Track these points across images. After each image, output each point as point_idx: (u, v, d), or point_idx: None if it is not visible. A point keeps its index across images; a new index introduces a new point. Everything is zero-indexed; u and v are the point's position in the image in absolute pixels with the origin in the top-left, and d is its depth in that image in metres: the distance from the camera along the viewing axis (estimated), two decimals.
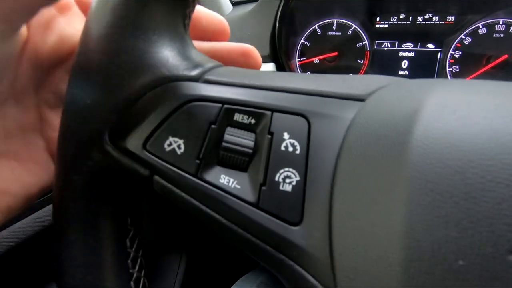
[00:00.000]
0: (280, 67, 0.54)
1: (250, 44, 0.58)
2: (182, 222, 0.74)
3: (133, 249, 0.20)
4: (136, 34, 0.17)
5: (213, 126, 0.16)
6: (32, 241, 0.45)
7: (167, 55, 0.17)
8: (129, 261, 0.19)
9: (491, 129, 0.12)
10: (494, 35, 0.46)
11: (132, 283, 0.19)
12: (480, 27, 0.46)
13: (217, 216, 0.16)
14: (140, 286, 0.20)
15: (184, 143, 0.16)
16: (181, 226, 0.76)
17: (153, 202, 0.66)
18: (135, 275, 0.20)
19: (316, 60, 0.56)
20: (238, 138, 0.16)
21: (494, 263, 0.11)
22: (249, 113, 0.17)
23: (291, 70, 0.55)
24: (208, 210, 0.16)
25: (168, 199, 0.17)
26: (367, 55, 0.53)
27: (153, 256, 0.72)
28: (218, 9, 0.68)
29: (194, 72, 0.17)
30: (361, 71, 0.54)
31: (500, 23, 0.45)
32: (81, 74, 0.17)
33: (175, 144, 0.16)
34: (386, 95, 0.16)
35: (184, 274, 0.72)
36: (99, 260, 0.18)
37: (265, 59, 0.52)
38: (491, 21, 0.45)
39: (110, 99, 0.17)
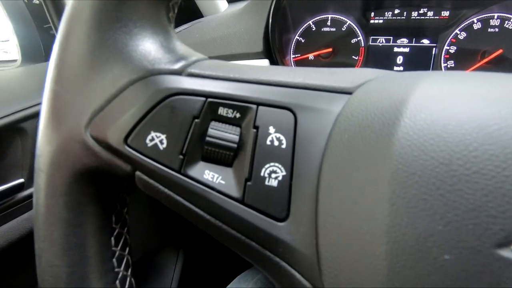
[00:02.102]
0: (274, 64, 0.53)
1: (243, 40, 0.57)
2: (179, 220, 0.74)
3: (118, 247, 0.19)
4: (116, 27, 0.16)
5: (196, 120, 0.16)
6: (24, 241, 0.45)
7: (149, 48, 0.17)
8: (114, 260, 0.19)
9: (476, 119, 0.11)
10: (489, 30, 0.45)
11: (117, 282, 0.19)
12: (475, 21, 0.46)
13: (201, 212, 0.16)
14: (127, 285, 0.19)
15: (166, 138, 0.16)
16: (178, 224, 0.75)
17: (149, 199, 0.66)
18: (121, 274, 0.19)
19: (310, 56, 0.55)
20: (223, 133, 0.16)
21: (481, 257, 0.10)
22: (233, 107, 0.16)
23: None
24: (192, 206, 0.16)
25: (151, 195, 0.17)
26: (362, 51, 0.53)
27: (150, 254, 0.72)
28: (214, 7, 0.68)
29: (177, 65, 0.17)
30: (356, 67, 0.54)
31: (495, 17, 0.45)
32: (60, 69, 0.16)
33: (158, 139, 0.16)
34: (373, 87, 0.15)
35: (181, 272, 0.72)
36: (82, 259, 0.18)
37: (259, 56, 0.52)
38: (486, 16, 0.45)
39: (90, 94, 0.16)
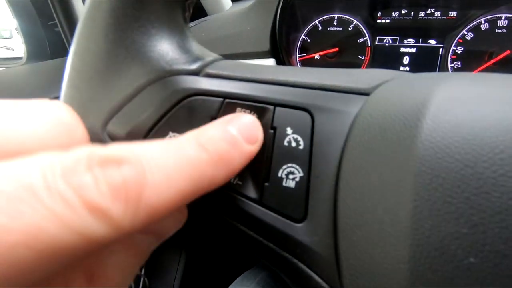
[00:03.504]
0: (280, 63, 0.53)
1: (250, 39, 0.57)
2: None
3: None
4: (134, 27, 0.16)
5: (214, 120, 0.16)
6: None
7: (167, 49, 0.17)
8: None
9: (502, 122, 0.11)
10: (496, 31, 0.45)
11: (131, 282, 0.19)
12: (483, 22, 0.46)
13: (219, 213, 0.16)
14: (140, 285, 0.19)
15: None
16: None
17: None
18: None
19: (316, 56, 0.55)
20: None
21: (507, 261, 0.10)
22: (251, 108, 0.16)
23: (291, 66, 0.54)
24: (209, 207, 0.16)
25: None
26: (368, 51, 0.53)
27: (153, 254, 0.72)
28: (218, 5, 0.68)
29: (194, 66, 0.17)
30: (362, 67, 0.54)
31: (503, 18, 0.44)
32: (78, 69, 0.16)
33: None
34: (391, 88, 0.15)
35: (184, 272, 0.72)
36: None
37: (265, 55, 0.52)
38: (494, 17, 0.45)
39: (108, 93, 0.16)
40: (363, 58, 0.53)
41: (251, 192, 0.16)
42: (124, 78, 0.16)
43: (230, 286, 0.46)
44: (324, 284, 0.14)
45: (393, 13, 0.50)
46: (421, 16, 0.49)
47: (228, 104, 0.16)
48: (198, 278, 0.77)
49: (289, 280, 0.16)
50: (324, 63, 0.55)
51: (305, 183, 0.15)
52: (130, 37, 0.16)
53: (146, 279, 0.20)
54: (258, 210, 0.15)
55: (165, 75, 0.16)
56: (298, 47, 0.56)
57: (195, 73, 0.17)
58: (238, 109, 0.16)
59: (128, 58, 0.16)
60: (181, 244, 0.75)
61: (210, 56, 0.18)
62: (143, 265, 0.20)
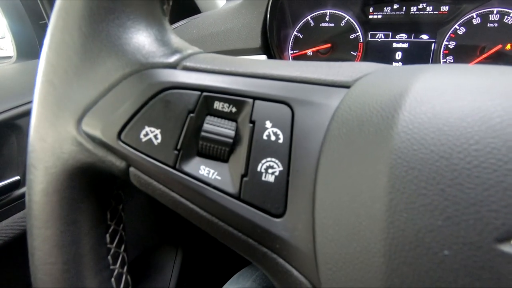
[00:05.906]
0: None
1: (241, 36, 0.56)
2: (177, 217, 0.74)
3: (114, 244, 0.19)
4: (109, 18, 0.16)
5: (191, 114, 0.16)
6: (20, 239, 0.45)
7: (143, 41, 0.16)
8: (109, 257, 0.18)
9: (478, 113, 0.11)
10: (488, 25, 0.45)
11: (113, 279, 0.19)
12: (474, 16, 0.45)
13: (197, 208, 0.16)
14: (122, 283, 0.19)
15: (161, 133, 0.16)
16: (176, 221, 0.75)
17: (146, 196, 0.65)
18: (116, 271, 0.19)
19: (309, 52, 0.55)
20: (218, 127, 0.16)
21: (481, 252, 0.10)
22: (229, 101, 0.16)
23: None
24: (187, 203, 0.16)
25: (145, 191, 0.16)
26: (360, 46, 0.52)
27: (149, 252, 0.72)
28: (212, 2, 0.67)
29: (172, 59, 0.17)
30: None
31: (494, 12, 0.44)
32: (52, 63, 0.16)
33: (152, 134, 0.16)
34: (371, 81, 0.15)
35: (180, 270, 0.72)
36: (76, 256, 0.17)
37: (257, 51, 0.51)
38: (485, 11, 0.45)
39: (83, 88, 0.16)
40: (355, 54, 0.53)
41: (230, 188, 0.15)
42: (99, 71, 0.16)
43: (227, 284, 0.46)
44: (303, 278, 0.14)
45: (385, 8, 0.50)
46: (413, 11, 0.49)
47: (205, 97, 0.16)
48: (194, 275, 0.77)
49: (269, 275, 0.16)
50: (317, 59, 0.55)
51: (285, 177, 0.15)
52: (105, 29, 0.16)
53: (129, 277, 0.20)
54: (237, 206, 0.15)
55: (141, 68, 0.16)
56: (290, 43, 0.55)
57: (172, 66, 0.16)
58: (216, 102, 0.16)
59: (103, 51, 0.16)
60: (177, 241, 0.75)
61: (190, 49, 0.18)
62: (126, 263, 0.20)
